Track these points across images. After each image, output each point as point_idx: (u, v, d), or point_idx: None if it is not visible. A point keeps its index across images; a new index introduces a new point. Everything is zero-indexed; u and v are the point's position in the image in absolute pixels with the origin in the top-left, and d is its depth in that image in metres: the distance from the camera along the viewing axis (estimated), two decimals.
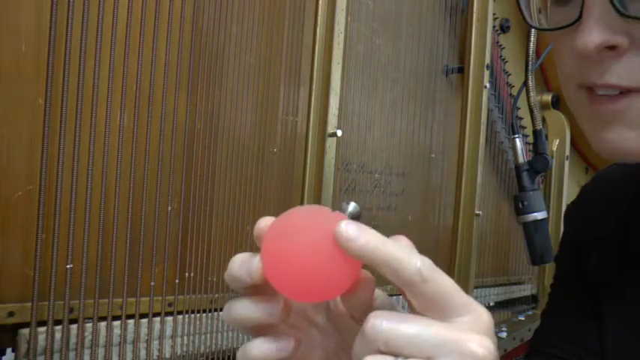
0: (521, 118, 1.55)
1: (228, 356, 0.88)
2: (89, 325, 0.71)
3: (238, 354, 0.43)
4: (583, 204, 0.70)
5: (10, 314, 0.65)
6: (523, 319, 1.69)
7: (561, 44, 0.48)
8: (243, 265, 0.41)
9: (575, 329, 0.64)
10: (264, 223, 0.42)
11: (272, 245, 0.40)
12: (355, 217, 0.39)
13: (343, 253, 0.38)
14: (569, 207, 0.72)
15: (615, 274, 0.60)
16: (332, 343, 0.47)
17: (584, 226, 0.67)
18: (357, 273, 0.40)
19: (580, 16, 0.43)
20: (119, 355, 0.74)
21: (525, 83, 1.40)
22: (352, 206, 0.40)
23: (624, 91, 0.44)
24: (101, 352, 0.72)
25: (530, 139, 1.41)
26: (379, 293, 0.43)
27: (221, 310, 0.85)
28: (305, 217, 0.40)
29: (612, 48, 0.43)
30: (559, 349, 0.65)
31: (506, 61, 1.52)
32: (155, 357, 0.77)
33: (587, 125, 0.48)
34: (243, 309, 0.42)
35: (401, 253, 0.37)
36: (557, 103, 1.75)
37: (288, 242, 0.39)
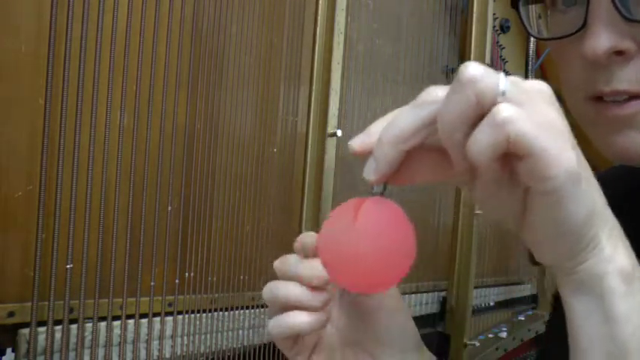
0: None
1: (229, 356, 0.88)
2: (89, 325, 0.71)
3: (271, 327, 0.44)
4: None
5: (10, 314, 0.65)
6: (523, 319, 1.70)
7: (565, 53, 0.48)
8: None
9: None
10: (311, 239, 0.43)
11: (328, 245, 0.40)
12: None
13: (397, 240, 0.38)
14: None
15: None
16: (344, 334, 0.49)
17: None
18: (413, 253, 0.40)
19: (585, 23, 0.43)
20: (119, 355, 0.74)
21: None
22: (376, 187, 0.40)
23: (632, 96, 0.44)
24: (101, 352, 0.72)
25: None
26: None
27: (221, 310, 0.86)
28: (350, 210, 0.40)
29: (620, 53, 0.43)
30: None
31: (506, 61, 1.52)
32: (155, 357, 0.77)
33: (596, 132, 0.48)
34: (295, 293, 0.43)
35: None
36: None
37: (335, 237, 0.39)
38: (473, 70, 0.31)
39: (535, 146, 0.30)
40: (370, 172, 0.36)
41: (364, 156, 0.36)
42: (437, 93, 0.34)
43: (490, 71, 0.31)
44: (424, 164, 0.36)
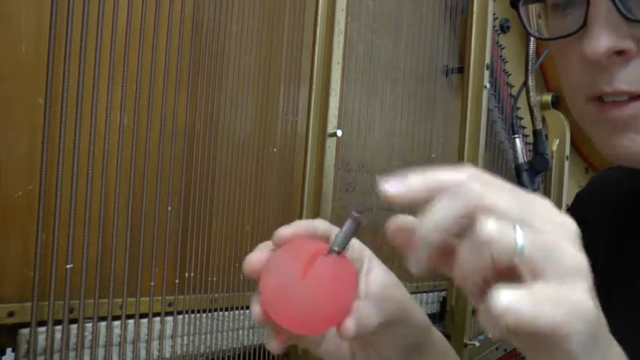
0: (521, 118, 1.55)
1: (229, 356, 0.88)
2: (89, 325, 0.71)
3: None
4: (579, 208, 0.70)
5: (10, 314, 0.65)
6: None
7: (565, 54, 0.47)
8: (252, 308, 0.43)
9: None
10: (255, 259, 0.43)
11: (267, 284, 0.41)
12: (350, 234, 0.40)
13: (337, 300, 0.39)
14: (566, 213, 0.72)
15: (614, 278, 0.60)
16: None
17: (581, 230, 0.67)
18: (355, 294, 0.41)
19: (585, 23, 0.43)
20: (119, 355, 0.74)
21: (525, 83, 1.40)
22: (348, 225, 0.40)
23: (633, 97, 0.44)
24: (101, 352, 0.72)
25: (530, 139, 1.42)
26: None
27: (221, 309, 0.86)
28: (295, 252, 0.41)
29: (620, 53, 0.43)
30: None
31: (506, 61, 1.51)
32: (155, 357, 0.77)
33: (598, 134, 0.48)
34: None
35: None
36: (557, 103, 1.75)
37: (280, 281, 0.40)
38: (491, 227, 0.31)
39: (555, 330, 0.30)
40: (412, 265, 0.36)
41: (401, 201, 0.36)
42: (473, 187, 0.33)
43: (507, 228, 0.31)
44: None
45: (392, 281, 0.47)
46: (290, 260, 0.40)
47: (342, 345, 0.49)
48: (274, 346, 0.43)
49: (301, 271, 0.39)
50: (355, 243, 0.46)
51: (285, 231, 0.43)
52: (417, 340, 0.49)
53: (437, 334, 0.53)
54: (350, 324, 0.41)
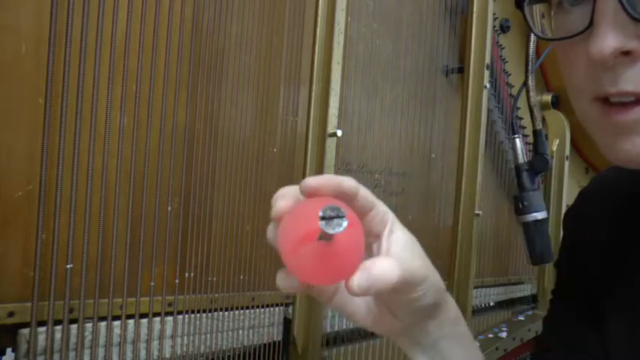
0: (521, 118, 1.55)
1: (229, 356, 0.88)
2: (89, 325, 0.71)
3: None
4: (580, 207, 0.70)
5: (10, 314, 0.65)
6: (523, 319, 1.69)
7: (570, 54, 0.47)
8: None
9: (578, 341, 0.63)
10: (283, 206, 0.45)
11: (280, 234, 0.43)
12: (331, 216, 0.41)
13: (345, 241, 0.41)
14: (568, 211, 0.72)
15: (613, 278, 0.60)
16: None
17: (582, 229, 0.67)
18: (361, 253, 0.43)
19: (591, 22, 0.43)
20: (119, 355, 0.74)
21: (525, 83, 1.40)
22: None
23: (638, 99, 0.44)
24: (101, 352, 0.72)
25: (530, 139, 1.42)
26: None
27: (221, 310, 0.86)
28: (308, 213, 0.42)
29: (626, 54, 0.43)
30: None
31: (506, 61, 1.52)
32: (155, 357, 0.77)
33: (601, 137, 0.48)
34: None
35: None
36: (557, 103, 1.75)
37: (288, 237, 0.42)
38: None
39: None
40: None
41: None
42: None
43: None
44: None
45: (413, 243, 0.49)
46: (301, 220, 0.42)
47: (356, 299, 0.50)
48: (284, 285, 0.45)
49: (304, 234, 0.40)
50: (380, 206, 0.47)
51: (311, 182, 0.44)
52: (432, 304, 0.49)
53: (450, 301, 0.53)
54: (360, 281, 0.42)
